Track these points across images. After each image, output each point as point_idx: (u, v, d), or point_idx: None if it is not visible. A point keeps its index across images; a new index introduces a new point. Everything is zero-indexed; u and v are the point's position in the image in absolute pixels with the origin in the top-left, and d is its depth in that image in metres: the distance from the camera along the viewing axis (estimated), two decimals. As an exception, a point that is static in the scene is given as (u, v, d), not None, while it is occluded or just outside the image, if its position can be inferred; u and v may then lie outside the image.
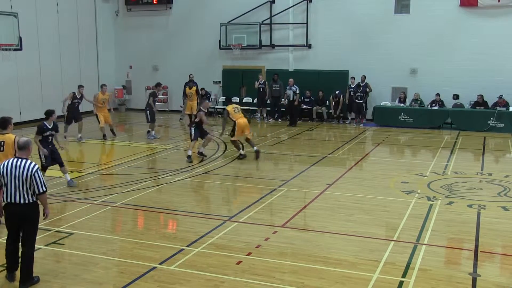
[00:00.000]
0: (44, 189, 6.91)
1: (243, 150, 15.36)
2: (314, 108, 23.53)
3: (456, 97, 22.05)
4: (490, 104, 21.26)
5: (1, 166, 6.92)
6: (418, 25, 22.27)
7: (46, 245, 8.41)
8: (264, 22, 24.55)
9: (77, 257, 8.08)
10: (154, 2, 26.39)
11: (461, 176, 13.39)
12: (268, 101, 23.83)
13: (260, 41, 24.51)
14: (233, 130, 15.26)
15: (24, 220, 6.87)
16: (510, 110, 20.76)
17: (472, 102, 21.58)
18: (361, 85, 22.55)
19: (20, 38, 17.66)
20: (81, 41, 25.23)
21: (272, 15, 24.56)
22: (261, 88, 23.59)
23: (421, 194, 11.62)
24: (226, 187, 12.78)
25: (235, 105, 15.59)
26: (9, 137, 9.06)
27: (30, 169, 6.81)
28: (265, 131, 21.17)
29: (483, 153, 16.76)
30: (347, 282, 7.21)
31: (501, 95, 20.93)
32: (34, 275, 7.04)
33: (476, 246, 8.57)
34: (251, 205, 10.66)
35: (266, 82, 23.57)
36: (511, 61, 21.15)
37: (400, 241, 8.78)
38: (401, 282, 7.20)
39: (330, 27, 23.62)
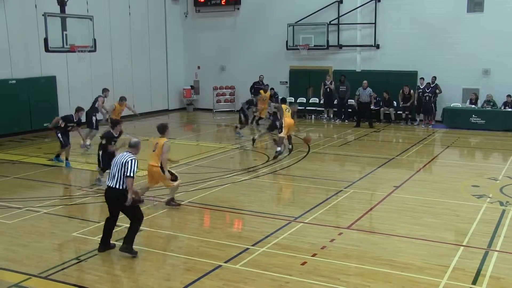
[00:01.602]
0: (131, 175, 7.94)
1: (290, 145, 16.25)
2: (382, 109, 23.20)
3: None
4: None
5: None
6: (491, 23, 21.50)
7: (116, 241, 8.67)
8: (331, 23, 24.42)
9: (145, 253, 8.34)
10: (223, 3, 26.80)
11: (535, 180, 12.88)
12: (335, 102, 23.72)
13: (328, 41, 24.38)
14: (281, 127, 15.95)
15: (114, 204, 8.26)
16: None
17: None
18: (431, 85, 22.03)
19: (95, 40, 18.38)
20: (151, 42, 26.01)
21: (340, 15, 24.39)
22: (329, 89, 23.50)
23: (493, 198, 11.28)
24: (292, 187, 12.86)
25: (287, 106, 16.11)
26: (162, 140, 10.32)
27: (126, 157, 8.07)
28: (331, 131, 21.09)
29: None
30: (414, 286, 7.14)
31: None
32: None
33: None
34: (316, 206, 10.70)
35: (333, 83, 23.47)
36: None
37: (470, 246, 8.60)
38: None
39: (399, 27, 23.20)
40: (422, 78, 22.43)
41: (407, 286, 7.13)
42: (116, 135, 12.30)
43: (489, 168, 14.87)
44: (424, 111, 22.26)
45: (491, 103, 21.39)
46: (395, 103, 23.01)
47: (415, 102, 22.32)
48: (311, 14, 24.53)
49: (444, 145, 18.08)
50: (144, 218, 9.37)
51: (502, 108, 21.14)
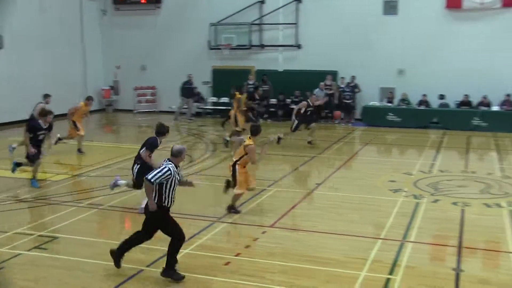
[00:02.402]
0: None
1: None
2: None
3: (442, 97, 22.27)
4: (474, 104, 21.62)
5: None
6: (406, 26, 22.48)
7: (28, 250, 8.32)
8: (254, 23, 24.65)
9: (61, 261, 8.00)
10: (143, 1, 26.34)
11: (446, 174, 13.60)
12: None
13: (250, 41, 24.61)
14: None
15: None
16: (492, 109, 21.14)
17: (458, 102, 21.88)
18: (351, 85, 22.74)
19: (1, 37, 16.98)
20: (67, 41, 24.82)
21: (262, 15, 24.66)
22: (252, 89, 23.67)
23: (408, 192, 11.80)
24: (215, 187, 12.84)
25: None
26: (248, 141, 10.09)
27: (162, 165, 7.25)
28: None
29: (467, 152, 17.01)
30: (336, 280, 7.34)
31: (485, 95, 21.29)
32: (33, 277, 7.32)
33: (460, 243, 8.76)
34: (240, 206, 10.76)
35: (257, 83, 23.68)
36: (494, 63, 21.41)
37: (387, 239, 8.95)
38: (388, 279, 7.36)
39: (320, 28, 23.74)
40: (343, 78, 23.12)
41: (329, 281, 7.32)
42: (44, 126, 11.66)
43: (404, 163, 15.53)
44: (344, 109, 22.92)
45: (406, 102, 22.37)
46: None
47: (336, 101, 22.92)
48: (233, 14, 24.63)
49: (363, 143, 18.71)
50: (61, 223, 9.06)
51: (417, 106, 22.17)
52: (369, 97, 23.27)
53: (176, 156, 7.38)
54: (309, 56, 24.00)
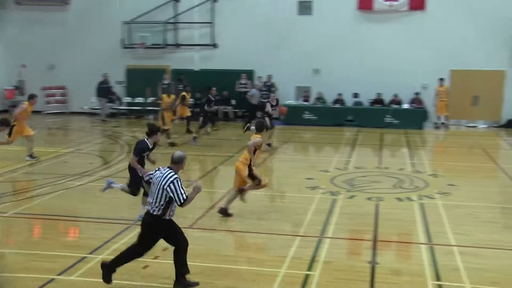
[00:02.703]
0: (184, 198, 6.68)
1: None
2: (221, 107, 23.59)
3: (356, 95, 22.98)
4: (386, 102, 22.52)
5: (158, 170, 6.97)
6: (320, 26, 22.97)
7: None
8: (168, 21, 24.29)
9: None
10: (48, -4, 25.19)
11: (361, 170, 13.98)
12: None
13: (165, 40, 24.24)
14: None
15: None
16: (403, 107, 22.08)
17: (371, 100, 22.67)
18: (267, 84, 22.93)
19: None
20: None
21: (177, 14, 24.35)
22: (166, 87, 23.29)
23: (325, 189, 12.01)
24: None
25: None
26: (254, 137, 10.09)
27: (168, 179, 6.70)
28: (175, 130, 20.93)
29: (381, 148, 17.61)
30: (256, 279, 7.31)
31: (396, 94, 22.24)
32: None
33: (375, 236, 9.01)
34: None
35: (172, 82, 23.34)
36: (404, 62, 22.35)
37: (306, 235, 9.04)
38: (306, 275, 7.42)
39: (236, 27, 23.77)
40: (260, 77, 23.27)
41: (249, 280, 7.28)
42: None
43: (321, 161, 15.84)
44: (261, 108, 23.03)
45: (322, 100, 22.87)
46: (233, 101, 23.55)
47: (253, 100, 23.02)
48: (147, 12, 24.15)
49: (281, 141, 18.89)
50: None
51: (332, 104, 22.73)
52: (285, 96, 23.56)
53: (176, 163, 6.95)
54: (225, 55, 23.97)
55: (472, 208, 10.71)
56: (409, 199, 11.28)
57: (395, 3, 22.50)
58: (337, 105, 22.69)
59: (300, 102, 23.15)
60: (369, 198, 11.29)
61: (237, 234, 9.20)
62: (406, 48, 22.50)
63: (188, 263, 7.13)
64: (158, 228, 6.85)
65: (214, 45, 24.26)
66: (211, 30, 24.21)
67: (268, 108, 17.02)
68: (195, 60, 24.62)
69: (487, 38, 21.91)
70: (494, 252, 8.42)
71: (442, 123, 22.54)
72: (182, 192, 6.64)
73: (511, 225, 10.03)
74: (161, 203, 6.72)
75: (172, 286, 6.96)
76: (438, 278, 7.38)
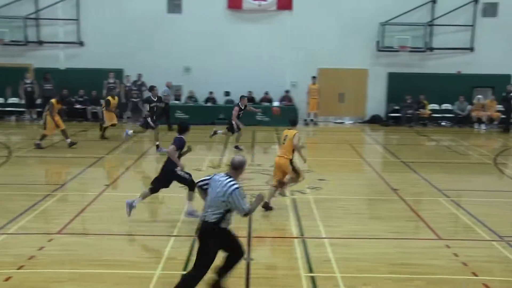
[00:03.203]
0: (247, 209, 6.41)
1: None
2: (89, 108, 22.72)
3: (227, 94, 23.23)
4: (257, 100, 23.02)
5: (215, 176, 6.65)
6: (190, 24, 22.92)
7: None
8: (29, 17, 22.86)
9: None
10: None
11: (235, 168, 14.11)
12: (39, 101, 22.29)
13: (26, 37, 22.81)
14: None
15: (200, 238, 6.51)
16: (274, 105, 22.70)
17: (242, 98, 23.06)
18: (138, 83, 22.43)
19: None
20: None
21: (38, 9, 23.01)
22: (30, 88, 21.96)
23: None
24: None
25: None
26: (292, 132, 10.34)
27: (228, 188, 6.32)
28: (36, 133, 19.76)
29: (253, 146, 17.96)
30: (130, 282, 7.12)
31: (267, 92, 22.81)
32: None
33: (249, 233, 9.13)
34: (22, 214, 9.84)
35: (36, 81, 22.03)
36: (274, 61, 23.07)
37: (180, 235, 8.94)
38: (182, 276, 7.30)
39: (104, 24, 22.99)
40: (128, 76, 22.70)
41: (121, 283, 7.05)
42: None
43: (194, 159, 15.71)
44: (131, 108, 22.55)
45: (193, 99, 22.82)
46: (101, 101, 22.76)
47: (123, 99, 22.43)
48: (5, 5, 22.58)
49: (153, 141, 18.52)
50: None
51: (204, 103, 22.75)
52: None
53: (237, 169, 6.58)
54: (92, 53, 23.12)
55: (341, 201, 11.22)
56: (282, 194, 11.57)
57: (263, 2, 23.08)
58: (208, 104, 22.80)
59: (172, 100, 22.90)
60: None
61: (109, 237, 8.87)
62: (276, 47, 23.20)
63: (58, 270, 6.75)
64: (216, 236, 6.46)
65: (81, 43, 23.31)
66: (77, 27, 23.19)
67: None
68: (60, 59, 23.45)
69: (351, 38, 23.22)
70: (361, 241, 8.90)
71: (311, 120, 23.53)
72: (244, 201, 6.42)
73: (377, 215, 10.65)
74: (220, 211, 6.40)
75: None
76: (311, 270, 7.64)
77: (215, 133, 16.89)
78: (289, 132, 10.54)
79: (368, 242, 8.88)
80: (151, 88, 16.97)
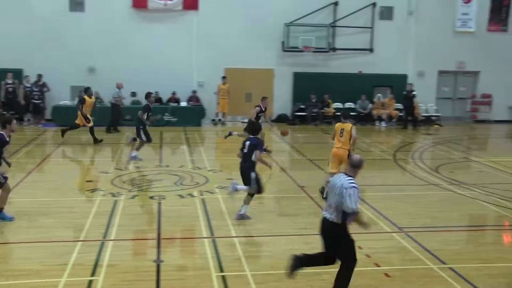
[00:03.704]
0: (356, 210, 6.42)
1: None
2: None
3: (134, 94, 22.79)
4: (165, 100, 22.82)
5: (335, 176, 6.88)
6: (94, 23, 22.30)
7: None
8: None
9: None
10: None
11: (142, 170, 13.92)
12: None
13: None
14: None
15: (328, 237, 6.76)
16: (181, 105, 22.61)
17: (150, 99, 22.73)
18: (39, 84, 21.50)
19: None
20: None
21: None
22: None
23: (106, 191, 11.68)
24: None
25: None
26: (348, 125, 11.32)
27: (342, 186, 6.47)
28: None
29: (161, 147, 17.77)
30: (33, 292, 6.82)
31: (174, 92, 22.64)
32: None
33: (159, 235, 9.04)
34: None
35: None
36: (181, 61, 22.97)
37: (87, 240, 8.69)
38: (90, 281, 7.15)
39: (1, 22, 21.79)
40: (28, 76, 21.73)
41: (25, 294, 6.76)
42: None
43: (100, 162, 15.39)
44: (32, 110, 21.60)
45: (99, 100, 22.13)
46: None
47: (23, 101, 21.43)
48: None
49: (56, 144, 17.87)
50: None
51: (109, 104, 22.18)
52: (60, 96, 22.39)
53: (356, 167, 6.71)
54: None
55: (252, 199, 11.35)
56: (191, 195, 11.55)
57: (169, 2, 22.87)
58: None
59: (76, 102, 22.13)
60: (151, 197, 11.30)
61: (12, 245, 8.46)
62: (182, 47, 23.09)
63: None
64: (337, 234, 6.65)
65: (-25, 42, 21.99)
66: (-29, 24, 21.88)
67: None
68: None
69: (258, 38, 23.53)
70: (271, 239, 9.06)
71: (219, 120, 23.62)
72: (355, 201, 6.42)
73: (285, 212, 10.86)
74: (339, 210, 6.52)
75: None
76: (221, 269, 7.69)
77: (230, 134, 15.87)
78: (344, 126, 11.41)
79: (278, 239, 9.06)
80: (148, 96, 16.11)
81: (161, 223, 9.64)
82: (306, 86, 23.95)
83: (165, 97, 22.95)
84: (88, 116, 17.87)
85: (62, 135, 17.75)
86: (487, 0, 25.14)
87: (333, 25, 24.12)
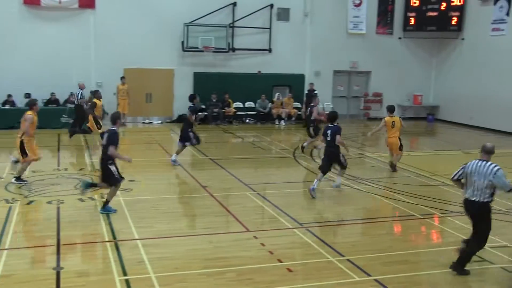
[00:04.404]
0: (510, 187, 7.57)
1: None
2: None
3: (28, 95, 21.69)
4: (62, 101, 22.00)
5: (470, 165, 7.79)
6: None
7: None
8: None
9: None
10: None
11: (39, 174, 13.34)
12: None
13: None
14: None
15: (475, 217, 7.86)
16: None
17: (45, 100, 21.78)
18: None
19: None
20: None
21: None
22: None
23: (-1, 197, 11.12)
24: None
25: None
26: (396, 117, 14.26)
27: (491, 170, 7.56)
28: None
29: (59, 150, 17.11)
30: None
31: (72, 93, 21.81)
32: None
33: (58, 241, 8.74)
34: None
35: None
36: (78, 61, 22.27)
37: (13, 248, 8.31)
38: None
39: None
40: None
41: None
42: None
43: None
44: None
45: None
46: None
47: None
48: None
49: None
50: None
51: (1, 106, 21.08)
52: None
53: (491, 153, 7.75)
54: None
55: (153, 201, 11.26)
56: (92, 198, 11.25)
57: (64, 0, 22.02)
58: (6, 107, 21.09)
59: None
60: (49, 202, 10.88)
61: None
62: (79, 47, 22.35)
63: None
64: (489, 211, 7.72)
65: None
66: None
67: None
68: None
69: (157, 38, 23.26)
70: (175, 240, 9.05)
71: (119, 121, 23.08)
72: (506, 180, 7.53)
73: (188, 213, 10.90)
74: (488, 191, 7.59)
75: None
76: (125, 273, 7.58)
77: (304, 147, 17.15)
78: (394, 118, 14.24)
79: (181, 240, 9.06)
80: (193, 97, 15.67)
81: (61, 228, 9.32)
82: (206, 86, 24.00)
83: (61, 98, 22.07)
84: (100, 121, 17.45)
85: (70, 136, 18.02)
86: (375, 4, 26.49)
87: (232, 26, 24.36)
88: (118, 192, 11.66)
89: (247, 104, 24.97)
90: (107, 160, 10.07)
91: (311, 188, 11.72)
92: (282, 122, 24.53)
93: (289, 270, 7.84)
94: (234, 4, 24.34)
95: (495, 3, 23.63)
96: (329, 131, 11.79)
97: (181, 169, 14.68)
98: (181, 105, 24.13)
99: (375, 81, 27.15)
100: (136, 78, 23.27)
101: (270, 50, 25.10)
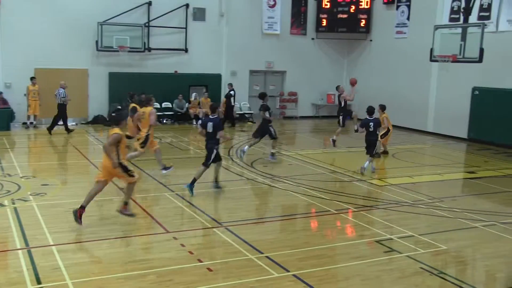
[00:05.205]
0: None
1: None
2: None
3: None
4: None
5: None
6: None
7: None
8: None
9: None
10: None
11: None
12: None
13: None
14: None
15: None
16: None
17: None
18: None
19: None
20: None
21: None
22: None
23: None
24: None
25: None
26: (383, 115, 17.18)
27: None
28: None
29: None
30: None
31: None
32: None
33: None
34: None
35: None
36: None
37: None
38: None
39: None
40: None
41: None
42: None
43: None
44: None
45: None
46: None
47: None
48: None
49: None
50: None
51: None
52: None
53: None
54: None
55: (68, 205, 10.90)
56: (1, 204, 10.80)
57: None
58: None
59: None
60: (-45, 210, 10.34)
61: None
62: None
63: None
64: None
65: None
66: None
67: None
68: None
69: (70, 37, 22.61)
70: (93, 244, 8.86)
71: (31, 123, 22.21)
72: None
73: (106, 216, 10.63)
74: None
75: None
76: (39, 281, 7.34)
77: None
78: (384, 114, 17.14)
79: (100, 244, 8.89)
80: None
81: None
82: (122, 86, 23.51)
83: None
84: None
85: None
86: (289, 5, 27.07)
87: (147, 25, 24.07)
88: (31, 197, 11.31)
89: (164, 104, 24.76)
90: (215, 144, 11.91)
91: (361, 167, 14.41)
92: (200, 122, 24.49)
93: (209, 270, 7.91)
94: (149, 3, 24.06)
95: (397, 8, 24.91)
96: (371, 123, 14.29)
97: (97, 171, 14.34)
98: (96, 106, 23.61)
99: (290, 80, 27.75)
100: (48, 79, 22.39)
101: (186, 50, 25.03)
